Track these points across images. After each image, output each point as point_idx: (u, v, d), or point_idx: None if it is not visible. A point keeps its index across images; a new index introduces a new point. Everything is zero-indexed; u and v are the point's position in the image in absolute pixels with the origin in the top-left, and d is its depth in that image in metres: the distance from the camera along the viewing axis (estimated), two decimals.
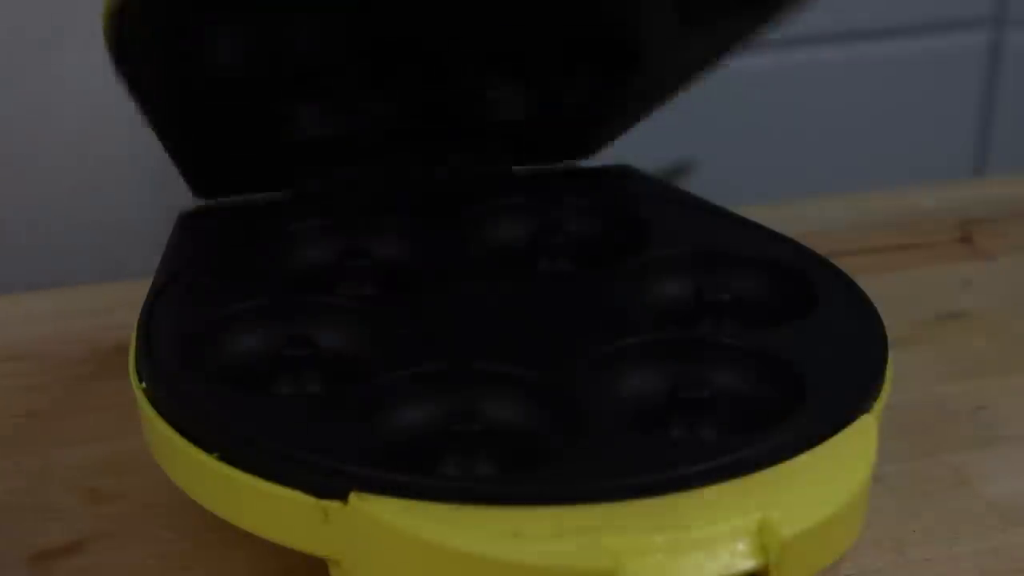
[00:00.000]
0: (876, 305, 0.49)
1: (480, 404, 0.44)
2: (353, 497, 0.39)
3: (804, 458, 0.41)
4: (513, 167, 0.59)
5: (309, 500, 0.39)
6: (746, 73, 0.90)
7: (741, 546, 0.38)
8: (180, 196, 0.72)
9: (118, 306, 0.57)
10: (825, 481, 0.40)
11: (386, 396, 0.44)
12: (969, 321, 0.60)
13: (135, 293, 0.50)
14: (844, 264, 0.52)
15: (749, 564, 0.38)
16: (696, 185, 0.64)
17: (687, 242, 0.53)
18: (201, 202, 0.55)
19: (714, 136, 0.89)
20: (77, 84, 0.73)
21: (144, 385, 0.44)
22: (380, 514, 0.38)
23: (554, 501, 0.39)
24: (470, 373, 0.45)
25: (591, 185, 0.58)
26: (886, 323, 0.48)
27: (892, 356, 0.46)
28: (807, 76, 0.91)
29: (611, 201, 0.56)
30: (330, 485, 0.39)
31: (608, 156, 0.59)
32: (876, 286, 0.51)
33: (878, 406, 0.44)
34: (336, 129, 0.56)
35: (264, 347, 0.47)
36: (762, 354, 0.46)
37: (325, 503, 0.39)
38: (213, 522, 0.42)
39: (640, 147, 0.65)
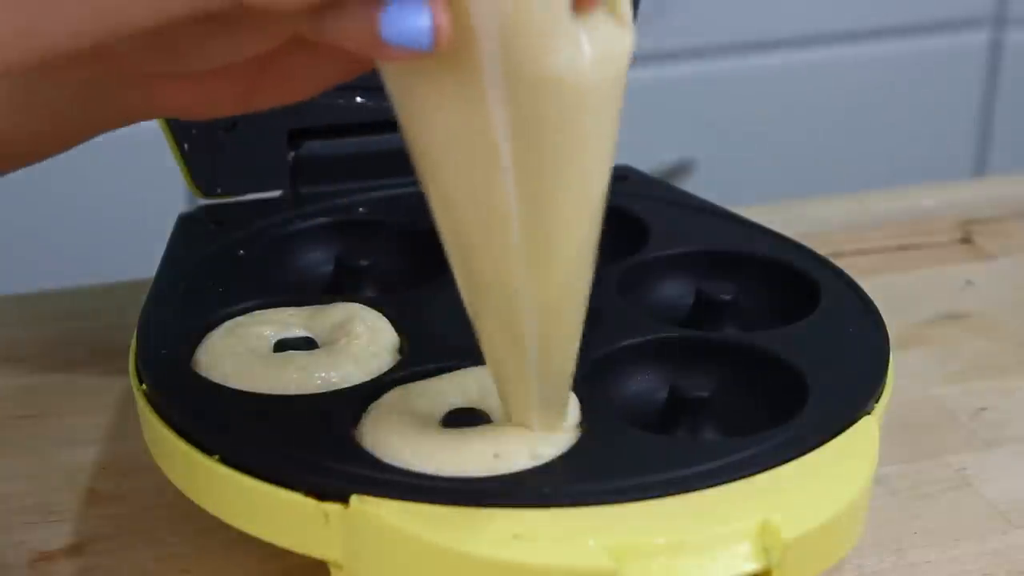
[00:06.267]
0: (876, 305, 0.49)
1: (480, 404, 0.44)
2: (354, 500, 0.39)
3: (805, 460, 0.41)
4: None
5: (310, 503, 0.39)
6: (746, 73, 0.90)
7: (743, 548, 0.38)
8: (180, 196, 0.72)
9: (118, 307, 0.57)
10: (827, 483, 0.40)
11: None
12: (969, 321, 0.60)
13: (135, 294, 0.49)
14: (844, 264, 0.52)
15: (751, 566, 0.38)
16: (696, 185, 0.64)
17: (687, 242, 0.53)
18: (201, 202, 0.55)
19: (714, 136, 0.89)
20: None
21: (144, 387, 0.44)
22: (381, 516, 0.38)
23: (555, 503, 0.39)
24: None
25: None
26: (887, 323, 0.48)
27: (892, 357, 0.46)
28: (807, 76, 0.91)
29: (611, 201, 0.56)
30: (331, 487, 0.39)
31: None
32: (876, 286, 0.51)
33: (879, 407, 0.44)
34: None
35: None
36: (763, 355, 0.46)
37: (326, 506, 0.39)
38: (213, 524, 0.42)
39: (640, 147, 0.65)
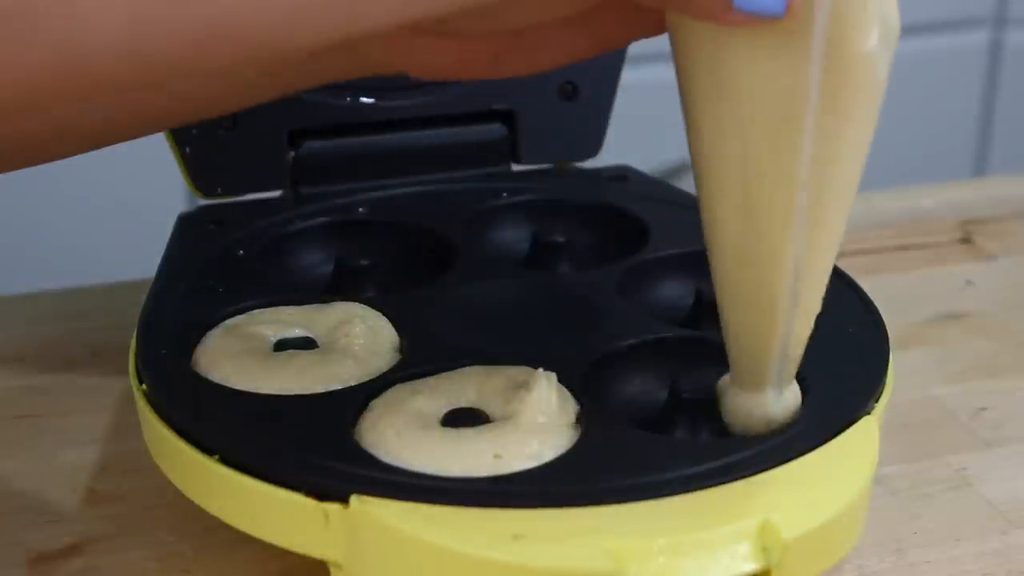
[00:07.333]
0: (876, 305, 0.49)
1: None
2: (354, 500, 0.39)
3: (805, 460, 0.41)
4: (513, 167, 0.58)
5: (310, 503, 0.39)
6: None
7: (743, 548, 0.38)
8: (180, 196, 0.73)
9: (118, 307, 0.57)
10: (826, 483, 0.40)
11: None
12: (969, 321, 0.60)
13: (135, 294, 0.50)
14: (844, 264, 0.51)
15: (751, 566, 0.38)
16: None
17: (687, 242, 0.53)
18: (201, 202, 0.55)
19: None
20: None
21: (144, 386, 0.44)
22: (381, 517, 0.38)
23: (555, 503, 0.39)
24: None
25: (591, 185, 0.58)
26: (886, 323, 0.48)
27: (892, 357, 0.46)
28: None
29: (611, 201, 0.56)
30: (331, 487, 0.39)
31: (608, 156, 0.59)
32: (876, 286, 0.51)
33: (879, 408, 0.44)
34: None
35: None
36: None
37: (326, 505, 0.39)
38: (213, 524, 0.42)
39: (640, 147, 0.65)
